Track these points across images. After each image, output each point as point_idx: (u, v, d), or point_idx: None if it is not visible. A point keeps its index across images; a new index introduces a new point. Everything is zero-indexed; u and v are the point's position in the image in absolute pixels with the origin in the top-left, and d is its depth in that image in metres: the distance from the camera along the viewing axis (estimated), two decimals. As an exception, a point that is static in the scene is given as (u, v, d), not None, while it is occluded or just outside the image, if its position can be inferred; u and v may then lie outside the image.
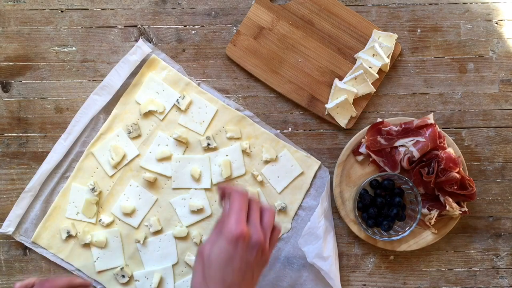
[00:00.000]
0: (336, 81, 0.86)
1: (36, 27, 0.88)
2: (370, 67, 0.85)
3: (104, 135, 0.87)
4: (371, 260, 0.89)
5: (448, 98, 0.89)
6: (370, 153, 0.84)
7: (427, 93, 0.89)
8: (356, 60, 0.87)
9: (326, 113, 0.87)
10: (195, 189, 0.87)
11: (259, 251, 0.59)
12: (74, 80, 0.89)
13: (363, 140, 0.85)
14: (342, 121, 0.87)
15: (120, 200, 0.87)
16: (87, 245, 0.86)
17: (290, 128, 0.89)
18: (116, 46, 0.89)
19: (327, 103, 0.87)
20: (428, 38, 0.89)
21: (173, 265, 0.87)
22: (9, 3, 0.88)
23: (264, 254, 0.61)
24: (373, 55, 0.86)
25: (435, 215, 0.84)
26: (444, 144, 0.83)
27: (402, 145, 0.83)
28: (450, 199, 0.82)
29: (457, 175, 0.80)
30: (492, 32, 0.89)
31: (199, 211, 0.87)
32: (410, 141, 0.83)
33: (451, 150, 0.82)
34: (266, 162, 0.88)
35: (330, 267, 0.83)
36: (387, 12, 0.89)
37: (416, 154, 0.81)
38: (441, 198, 0.83)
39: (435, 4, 0.89)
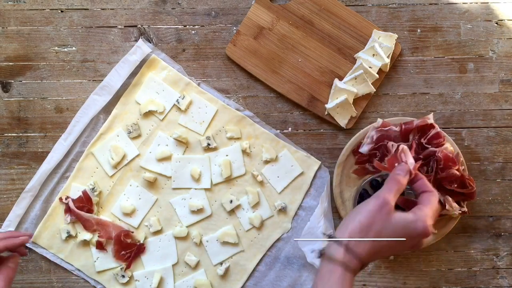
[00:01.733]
0: (336, 81, 0.86)
1: (36, 27, 0.88)
2: (370, 67, 0.85)
3: (104, 135, 0.87)
4: (371, 260, 0.89)
5: (448, 98, 0.89)
6: (370, 154, 0.84)
7: (427, 93, 0.89)
8: (356, 60, 0.87)
9: (326, 113, 0.87)
10: (195, 189, 0.87)
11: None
12: (74, 80, 0.89)
13: (363, 140, 0.85)
14: (342, 121, 0.87)
15: (120, 200, 0.87)
16: (87, 245, 0.86)
17: (290, 128, 0.89)
18: (116, 46, 0.89)
19: (327, 103, 0.87)
20: (428, 38, 0.89)
21: (173, 265, 0.87)
22: (9, 3, 0.88)
23: None
24: (373, 55, 0.86)
25: (435, 215, 0.83)
26: (444, 143, 0.82)
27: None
28: (450, 199, 0.82)
29: (457, 172, 0.80)
30: (492, 32, 0.89)
31: (199, 211, 0.87)
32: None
33: (448, 145, 0.82)
34: (266, 162, 0.88)
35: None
36: (387, 12, 0.89)
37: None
38: (441, 198, 0.83)
39: (435, 4, 0.89)
